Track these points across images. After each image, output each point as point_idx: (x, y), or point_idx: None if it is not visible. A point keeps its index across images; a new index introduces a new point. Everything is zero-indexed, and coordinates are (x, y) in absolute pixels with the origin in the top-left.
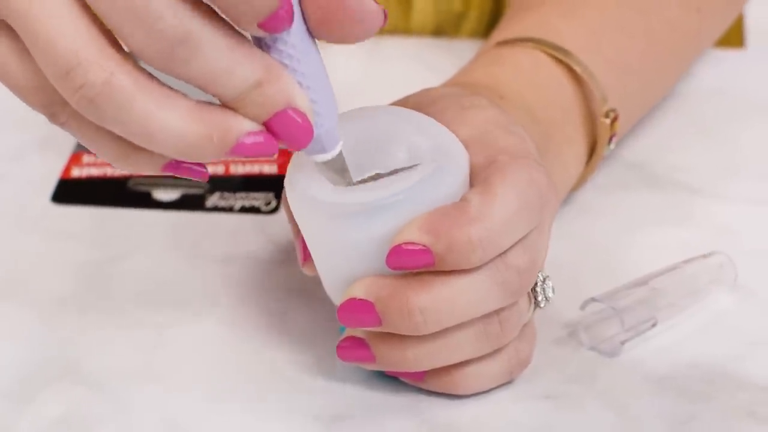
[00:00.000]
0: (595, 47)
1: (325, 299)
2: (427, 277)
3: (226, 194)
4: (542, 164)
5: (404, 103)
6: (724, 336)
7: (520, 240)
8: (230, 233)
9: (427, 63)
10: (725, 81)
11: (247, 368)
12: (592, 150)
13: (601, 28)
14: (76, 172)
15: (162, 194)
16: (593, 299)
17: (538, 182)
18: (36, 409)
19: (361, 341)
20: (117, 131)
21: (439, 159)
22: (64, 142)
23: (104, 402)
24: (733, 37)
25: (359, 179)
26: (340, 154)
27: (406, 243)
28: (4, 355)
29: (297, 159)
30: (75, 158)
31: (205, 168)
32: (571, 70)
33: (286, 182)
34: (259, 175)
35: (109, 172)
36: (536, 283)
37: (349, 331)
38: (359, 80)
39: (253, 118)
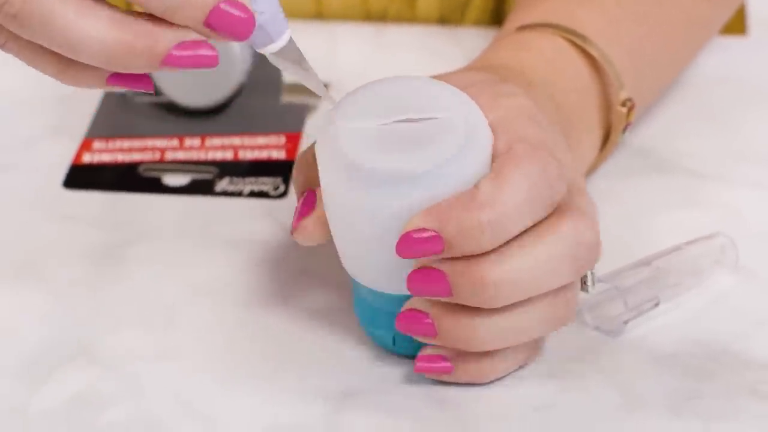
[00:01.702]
0: (613, 35)
1: (333, 281)
2: (494, 251)
3: (235, 179)
4: (558, 157)
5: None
6: (727, 316)
7: (583, 215)
8: (239, 217)
9: (432, 51)
10: (729, 68)
11: (258, 348)
12: (605, 137)
13: (618, 17)
14: (87, 158)
15: (172, 179)
16: (597, 279)
17: (550, 175)
18: (49, 388)
19: (439, 356)
20: (45, 44)
21: (470, 134)
22: (76, 128)
23: (117, 382)
24: (736, 24)
25: (392, 119)
26: (291, 41)
27: (414, 230)
28: (19, 336)
29: (331, 119)
30: (86, 144)
31: (150, 78)
32: (590, 58)
33: (318, 140)
34: (267, 160)
35: (120, 158)
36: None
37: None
38: (365, 69)
39: (191, 24)
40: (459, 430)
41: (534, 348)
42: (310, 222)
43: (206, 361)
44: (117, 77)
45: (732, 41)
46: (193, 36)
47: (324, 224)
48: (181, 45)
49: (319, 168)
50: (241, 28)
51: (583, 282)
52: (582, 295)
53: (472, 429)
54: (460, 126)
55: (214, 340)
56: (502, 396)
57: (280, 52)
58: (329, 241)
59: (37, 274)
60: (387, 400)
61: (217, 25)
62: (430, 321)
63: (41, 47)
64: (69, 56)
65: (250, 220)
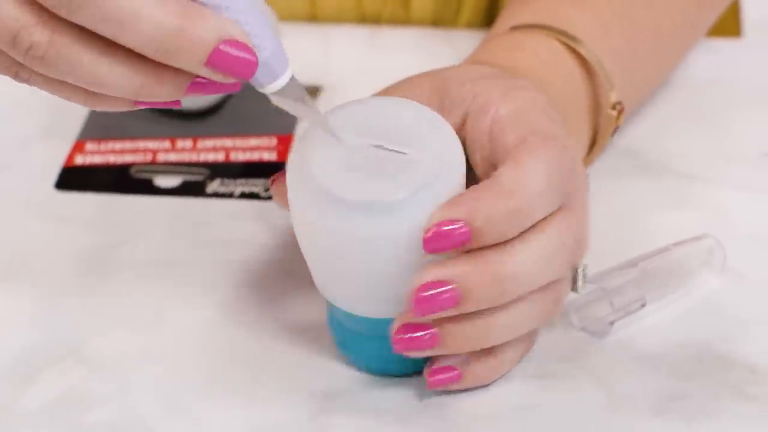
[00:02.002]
0: (604, 37)
1: None
2: (499, 246)
3: (227, 181)
4: (569, 148)
5: (442, 76)
6: (714, 317)
7: (571, 210)
8: (230, 219)
9: (426, 52)
10: (721, 70)
11: (244, 349)
12: (593, 139)
13: (609, 19)
14: (80, 160)
15: (163, 181)
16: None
17: (564, 164)
18: (37, 388)
19: (448, 367)
20: (72, 81)
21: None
22: (68, 130)
23: (104, 382)
24: (730, 26)
25: (363, 142)
26: (294, 78)
27: (443, 222)
28: (8, 336)
29: (300, 144)
30: (78, 146)
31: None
32: (582, 60)
33: (289, 166)
34: (258, 162)
35: (112, 159)
36: (579, 267)
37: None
38: (359, 71)
39: (192, 67)
40: (443, 429)
41: (531, 341)
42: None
43: (192, 362)
44: (145, 102)
45: (724, 43)
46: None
47: None
48: (229, 42)
49: (288, 189)
50: (244, 68)
51: (574, 280)
52: (569, 295)
53: (456, 429)
54: (431, 154)
55: (201, 341)
56: (486, 395)
57: (282, 91)
58: None
59: (26, 274)
60: (370, 402)
61: (219, 65)
62: (433, 331)
63: (66, 84)
64: (96, 91)
65: (240, 222)
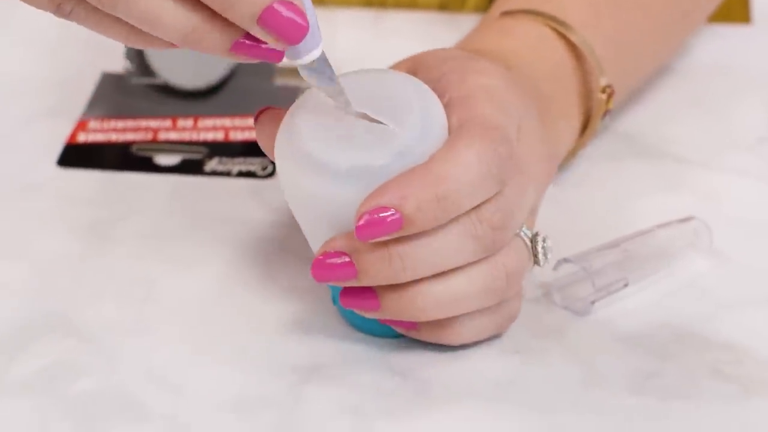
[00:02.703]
0: (595, 22)
1: (311, 259)
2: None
3: (225, 159)
4: (510, 138)
5: (414, 60)
6: (696, 298)
7: (494, 198)
8: (227, 196)
9: (432, 37)
10: (726, 56)
11: (232, 323)
12: (585, 123)
13: (601, 4)
14: (82, 138)
15: (163, 159)
16: (565, 260)
17: (500, 154)
18: (26, 358)
19: (367, 289)
20: (122, 15)
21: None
22: (72, 109)
23: (92, 353)
24: (739, 12)
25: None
26: (323, 54)
27: (375, 209)
28: (1, 308)
29: (288, 119)
30: (81, 125)
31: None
32: (572, 45)
33: (278, 135)
34: (256, 142)
35: (114, 137)
36: (536, 242)
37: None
38: (364, 54)
39: (246, 17)
40: (421, 402)
41: (507, 318)
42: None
43: (180, 333)
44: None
45: (732, 29)
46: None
47: None
48: (249, 36)
49: (276, 157)
50: (295, 31)
51: (534, 255)
52: (552, 275)
53: (434, 402)
54: (415, 121)
55: (190, 314)
56: (465, 370)
57: (316, 62)
58: None
59: (25, 249)
60: (352, 374)
61: (270, 24)
62: (373, 295)
63: (111, 18)
64: (144, 30)
65: (237, 199)
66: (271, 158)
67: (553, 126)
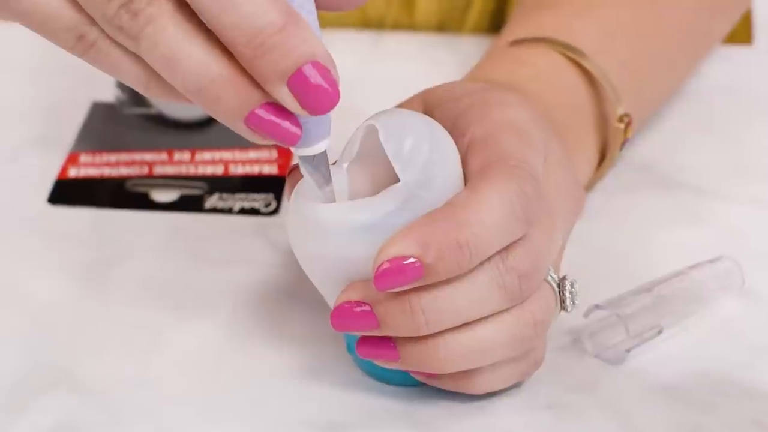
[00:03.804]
0: (609, 48)
1: (323, 306)
2: None
3: (225, 195)
4: (538, 174)
5: (427, 97)
6: (731, 343)
7: (521, 242)
8: (229, 235)
9: (430, 59)
10: (733, 78)
11: (243, 374)
12: (602, 153)
13: (615, 29)
14: (73, 172)
15: (160, 195)
16: (597, 306)
17: (527, 193)
18: (29, 418)
19: (387, 339)
20: (144, 51)
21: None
22: (61, 141)
23: (98, 411)
24: (741, 33)
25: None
26: (324, 152)
27: (395, 258)
28: None
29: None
30: (72, 158)
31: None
32: (586, 73)
33: (291, 199)
34: (259, 176)
35: (107, 172)
36: (564, 287)
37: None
38: (362, 76)
39: (278, 72)
40: None
41: (531, 365)
42: None
43: (189, 388)
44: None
45: (737, 51)
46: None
47: None
48: (270, 106)
49: (287, 223)
50: (324, 100)
51: (562, 301)
52: (582, 321)
53: None
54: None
55: (198, 367)
56: (495, 427)
57: (319, 155)
58: None
59: (17, 293)
60: (372, 430)
61: (299, 87)
62: (392, 345)
63: (132, 57)
64: (162, 74)
65: (240, 239)
66: None
67: (571, 156)
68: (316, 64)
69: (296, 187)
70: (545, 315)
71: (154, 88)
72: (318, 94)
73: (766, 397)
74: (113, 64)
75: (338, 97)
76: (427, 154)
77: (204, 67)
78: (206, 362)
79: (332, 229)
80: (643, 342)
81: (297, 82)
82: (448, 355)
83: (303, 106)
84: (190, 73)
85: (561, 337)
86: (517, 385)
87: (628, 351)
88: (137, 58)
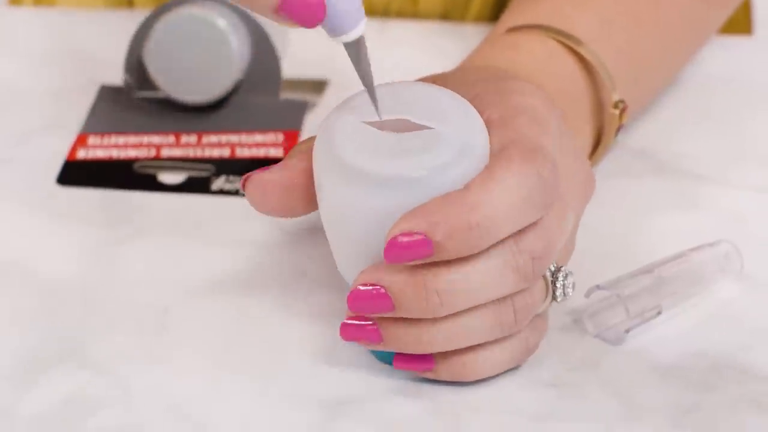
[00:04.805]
0: (606, 36)
1: (331, 284)
2: (442, 261)
3: (232, 177)
4: (554, 159)
5: (439, 79)
6: (730, 325)
7: (535, 225)
8: (235, 217)
9: (434, 47)
10: (732, 68)
11: (252, 353)
12: (597, 139)
13: (612, 17)
14: (82, 154)
15: (167, 177)
16: (598, 287)
17: (544, 178)
18: (39, 391)
19: (368, 321)
20: None
21: (466, 143)
22: (71, 123)
23: (108, 386)
24: (741, 23)
25: (387, 117)
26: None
27: (402, 234)
28: (8, 337)
29: (327, 123)
30: (81, 140)
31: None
32: (582, 59)
33: (317, 145)
34: (265, 158)
35: (115, 154)
36: (557, 278)
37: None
38: None
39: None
40: None
41: (524, 351)
42: (272, 178)
43: (198, 365)
44: None
45: (736, 41)
46: None
47: (288, 192)
48: None
49: (315, 167)
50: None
51: (553, 292)
52: (583, 302)
53: None
54: (456, 135)
55: (207, 344)
56: (499, 404)
57: (357, 41)
58: (329, 244)
59: (27, 273)
60: (382, 409)
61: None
62: (374, 328)
63: None
64: None
65: (246, 220)
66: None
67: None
68: None
69: (322, 131)
70: (526, 302)
71: None
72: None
73: (763, 379)
74: None
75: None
76: (466, 119)
77: None
78: (215, 340)
79: (367, 177)
80: (643, 322)
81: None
82: (431, 338)
83: (294, 18)
84: None
85: (562, 317)
86: (527, 369)
87: (627, 331)
88: None
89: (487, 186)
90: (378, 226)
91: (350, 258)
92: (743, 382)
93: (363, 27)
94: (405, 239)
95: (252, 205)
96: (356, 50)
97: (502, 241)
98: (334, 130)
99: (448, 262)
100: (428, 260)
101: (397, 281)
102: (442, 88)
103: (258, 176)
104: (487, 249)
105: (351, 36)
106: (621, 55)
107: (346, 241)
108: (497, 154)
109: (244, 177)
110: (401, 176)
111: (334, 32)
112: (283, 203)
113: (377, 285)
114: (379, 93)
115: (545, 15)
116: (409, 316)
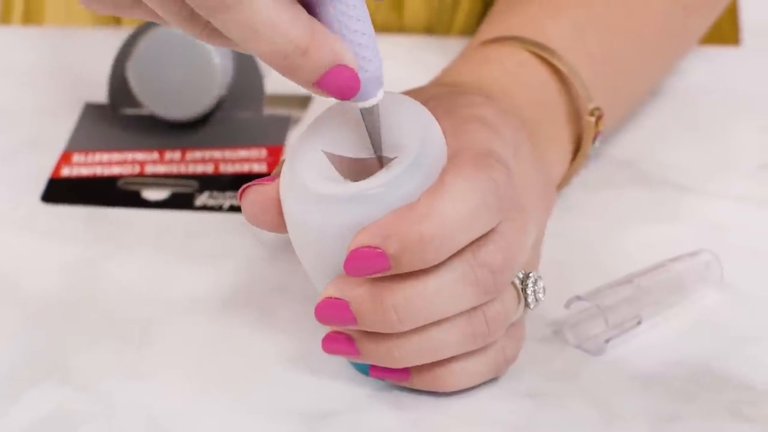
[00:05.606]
0: (580, 45)
1: (312, 299)
2: (399, 275)
3: (215, 193)
4: (508, 164)
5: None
6: (710, 334)
7: (494, 236)
8: (219, 232)
9: (419, 61)
10: (718, 78)
11: (233, 366)
12: (577, 148)
13: (587, 26)
14: (66, 172)
15: (151, 193)
16: (578, 297)
17: (497, 181)
18: (21, 408)
19: (345, 335)
20: (230, 25)
21: (420, 153)
22: (55, 141)
23: (90, 401)
24: (729, 33)
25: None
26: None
27: (361, 247)
28: None
29: (292, 150)
30: (65, 157)
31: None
32: (556, 70)
33: (282, 172)
34: (248, 174)
35: (99, 171)
36: (527, 284)
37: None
38: None
39: (306, 81)
40: None
41: (502, 362)
42: (262, 194)
43: (180, 380)
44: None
45: (719, 51)
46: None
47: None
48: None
49: (281, 192)
50: (346, 91)
51: (526, 299)
52: (564, 313)
53: None
54: (412, 148)
55: (188, 359)
56: (479, 415)
57: (370, 108)
58: None
59: (11, 289)
60: (362, 421)
61: (325, 86)
62: (352, 341)
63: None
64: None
65: (230, 235)
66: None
67: (543, 152)
68: (336, 68)
69: (287, 162)
70: (500, 311)
71: (206, 38)
72: (341, 88)
73: (744, 387)
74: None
75: (359, 86)
76: (423, 131)
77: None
78: (196, 355)
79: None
80: (623, 332)
81: (320, 84)
82: (402, 353)
83: (330, 95)
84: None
85: (543, 328)
86: (505, 380)
87: (607, 341)
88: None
89: (437, 195)
90: (342, 243)
91: (318, 276)
92: (724, 391)
93: (381, 94)
94: (363, 251)
95: (246, 217)
96: (371, 114)
97: (460, 253)
98: (295, 153)
99: (405, 276)
100: (388, 273)
101: (356, 296)
102: (405, 97)
103: (256, 188)
104: (446, 262)
105: (369, 103)
106: (596, 64)
107: (314, 259)
108: (448, 162)
109: (243, 187)
110: (358, 193)
111: (356, 99)
112: (280, 220)
113: (340, 298)
114: (340, 108)
115: (519, 26)
116: (372, 330)
